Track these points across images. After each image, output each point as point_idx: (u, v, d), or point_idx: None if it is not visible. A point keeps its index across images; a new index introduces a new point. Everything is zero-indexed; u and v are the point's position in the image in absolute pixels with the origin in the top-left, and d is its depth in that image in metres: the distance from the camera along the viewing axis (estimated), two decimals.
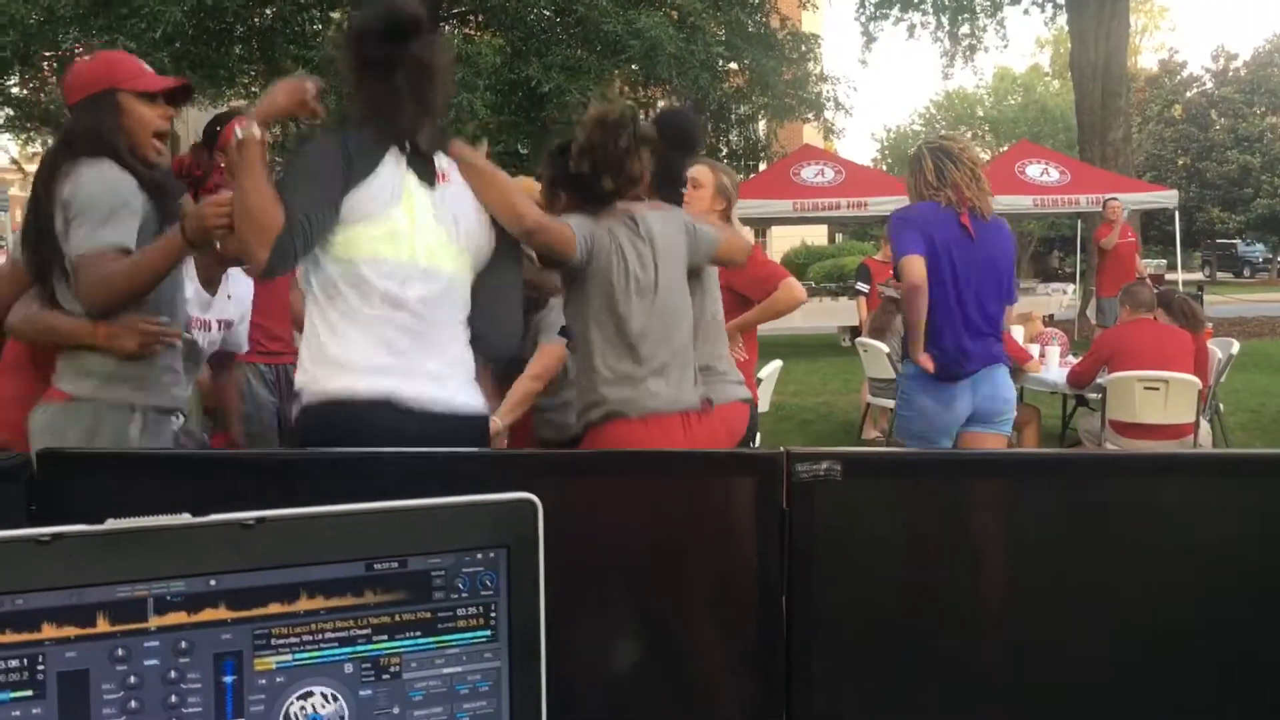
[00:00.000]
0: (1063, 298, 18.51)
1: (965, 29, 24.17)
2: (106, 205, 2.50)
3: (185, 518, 0.91)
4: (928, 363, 4.08)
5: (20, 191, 48.67)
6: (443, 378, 2.46)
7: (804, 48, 16.08)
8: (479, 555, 1.00)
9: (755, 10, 15.16)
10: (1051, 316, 14.07)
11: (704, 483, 1.78)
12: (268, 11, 14.52)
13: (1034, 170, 15.03)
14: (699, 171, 3.88)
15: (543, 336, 3.30)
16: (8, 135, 29.50)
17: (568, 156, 2.84)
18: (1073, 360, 7.44)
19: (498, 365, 2.84)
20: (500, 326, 2.65)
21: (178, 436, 2.83)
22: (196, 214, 2.48)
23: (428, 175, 2.50)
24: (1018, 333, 8.05)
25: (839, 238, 31.27)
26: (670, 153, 3.11)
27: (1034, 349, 7.71)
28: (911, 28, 24.61)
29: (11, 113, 25.38)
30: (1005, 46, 51.73)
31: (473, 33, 15.79)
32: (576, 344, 2.89)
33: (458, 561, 0.99)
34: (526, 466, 1.87)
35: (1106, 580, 1.73)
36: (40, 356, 2.76)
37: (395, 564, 0.97)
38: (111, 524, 0.88)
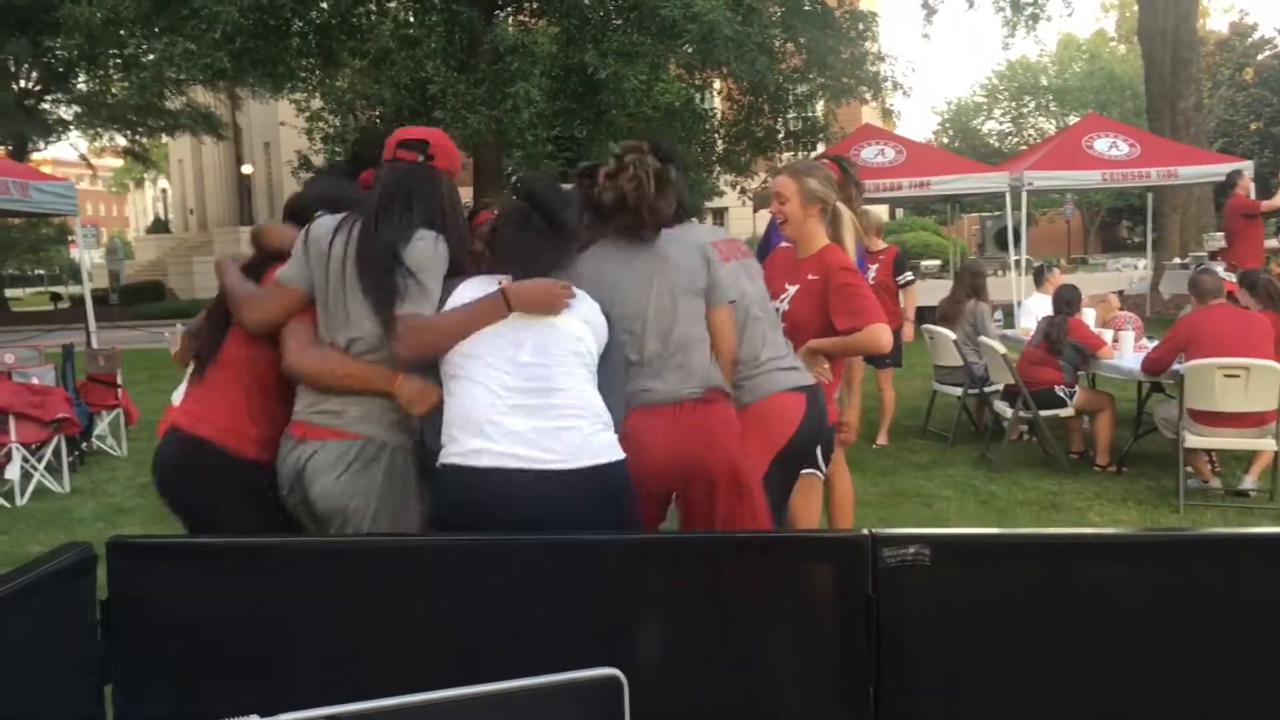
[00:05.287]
0: (1133, 273, 18.09)
1: None
2: (440, 276, 2.69)
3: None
4: None
5: (90, 186, 49.33)
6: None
7: (861, 26, 15.78)
8: None
9: None
10: (1121, 293, 13.64)
11: (785, 566, 1.72)
12: (324, 5, 14.59)
13: (1102, 144, 14.62)
14: (781, 184, 3.77)
15: None
16: (77, 133, 30.18)
17: (590, 180, 2.94)
18: (1147, 345, 7.18)
19: None
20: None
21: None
22: (546, 291, 2.61)
23: None
24: (1089, 316, 7.77)
25: (899, 213, 30.71)
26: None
27: (1107, 334, 7.46)
28: None
29: (79, 110, 25.92)
30: (1070, 13, 50.26)
31: (528, 19, 15.75)
32: None
33: None
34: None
35: (1211, 660, 1.65)
36: (263, 377, 2.81)
37: None
38: None
